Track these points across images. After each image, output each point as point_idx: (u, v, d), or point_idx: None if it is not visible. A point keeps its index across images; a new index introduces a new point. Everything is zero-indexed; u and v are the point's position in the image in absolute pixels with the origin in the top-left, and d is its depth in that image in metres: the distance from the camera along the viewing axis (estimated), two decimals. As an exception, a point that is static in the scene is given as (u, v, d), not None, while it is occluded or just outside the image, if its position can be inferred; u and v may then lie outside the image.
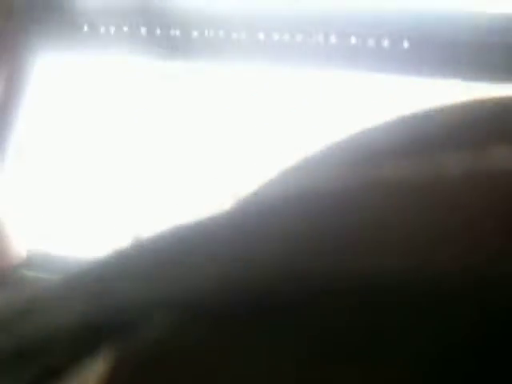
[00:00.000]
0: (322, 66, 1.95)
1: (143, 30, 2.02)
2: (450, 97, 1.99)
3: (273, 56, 1.96)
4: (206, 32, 1.99)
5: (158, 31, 2.02)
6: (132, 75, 2.04)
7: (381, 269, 0.19)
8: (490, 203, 0.20)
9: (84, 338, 0.23)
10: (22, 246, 1.95)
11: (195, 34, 2.00)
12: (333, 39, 1.95)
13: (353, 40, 1.95)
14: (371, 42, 1.94)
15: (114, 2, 2.04)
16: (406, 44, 1.94)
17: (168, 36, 2.01)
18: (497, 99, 0.32)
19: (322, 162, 0.29)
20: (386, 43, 1.94)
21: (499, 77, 1.86)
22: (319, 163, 0.29)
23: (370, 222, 0.20)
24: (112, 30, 2.02)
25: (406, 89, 1.88)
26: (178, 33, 2.01)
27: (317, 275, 0.19)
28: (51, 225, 2.05)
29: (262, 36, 1.98)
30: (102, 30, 2.03)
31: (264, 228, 0.22)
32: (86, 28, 2.03)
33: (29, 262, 1.94)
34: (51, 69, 2.06)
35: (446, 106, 0.33)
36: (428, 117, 0.31)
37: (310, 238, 0.21)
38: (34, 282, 1.88)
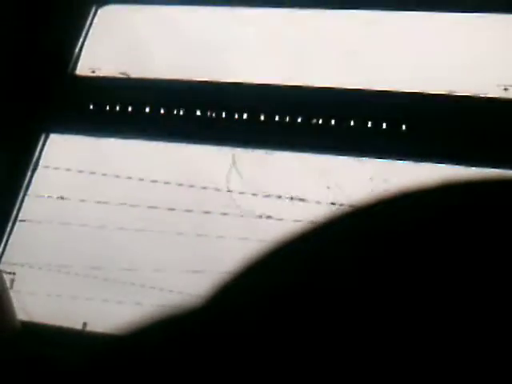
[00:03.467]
0: (321, 149, 2.01)
1: (147, 110, 2.07)
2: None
3: (275, 138, 2.01)
4: (209, 113, 2.04)
5: (162, 111, 2.07)
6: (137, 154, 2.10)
7: None
8: None
9: None
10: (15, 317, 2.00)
11: (198, 113, 2.05)
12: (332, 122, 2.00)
13: (351, 122, 2.00)
14: (370, 125, 1.99)
15: (118, 82, 2.09)
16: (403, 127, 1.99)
17: (171, 116, 2.06)
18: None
19: None
20: (384, 125, 1.99)
21: (497, 160, 1.91)
22: None
23: None
24: (117, 109, 2.08)
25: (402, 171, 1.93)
26: (181, 113, 2.06)
27: None
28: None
29: (262, 117, 2.03)
30: (107, 108, 2.08)
31: None
32: (91, 107, 2.08)
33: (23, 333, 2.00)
34: (58, 147, 2.11)
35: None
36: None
37: None
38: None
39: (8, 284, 1.95)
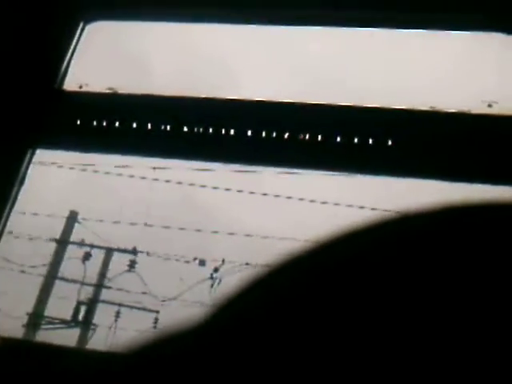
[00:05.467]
0: (310, 165, 2.01)
1: (135, 126, 2.07)
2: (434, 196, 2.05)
3: (266, 155, 2.02)
4: (196, 128, 2.05)
5: (150, 126, 2.07)
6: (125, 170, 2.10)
7: None
8: None
9: None
10: None
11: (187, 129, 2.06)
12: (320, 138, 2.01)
13: (338, 138, 2.01)
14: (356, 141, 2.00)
15: (106, 98, 2.09)
16: (389, 142, 2.00)
17: (158, 132, 2.06)
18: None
19: None
20: (370, 141, 2.01)
21: (483, 175, 1.93)
22: None
23: None
24: (104, 124, 2.08)
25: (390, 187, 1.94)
26: (168, 128, 2.07)
27: None
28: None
29: (264, 134, 2.04)
30: (94, 124, 2.08)
31: None
32: (78, 122, 2.08)
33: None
34: (45, 162, 2.10)
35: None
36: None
37: None
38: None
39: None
